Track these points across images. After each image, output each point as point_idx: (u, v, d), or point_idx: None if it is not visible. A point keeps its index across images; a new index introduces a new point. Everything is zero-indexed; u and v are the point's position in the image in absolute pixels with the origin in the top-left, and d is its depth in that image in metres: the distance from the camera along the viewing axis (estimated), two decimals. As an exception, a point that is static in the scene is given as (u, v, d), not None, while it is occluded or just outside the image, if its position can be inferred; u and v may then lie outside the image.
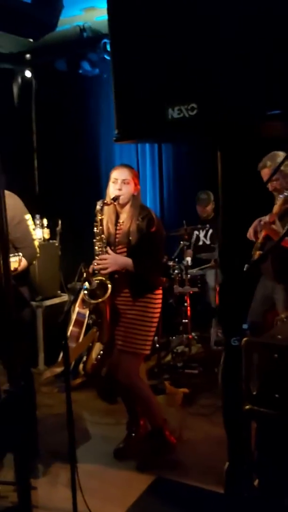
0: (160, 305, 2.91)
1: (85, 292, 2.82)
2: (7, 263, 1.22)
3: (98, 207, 2.82)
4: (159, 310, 2.90)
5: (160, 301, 2.91)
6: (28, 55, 5.50)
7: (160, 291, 2.92)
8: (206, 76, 1.12)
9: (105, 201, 2.82)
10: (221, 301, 1.41)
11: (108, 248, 2.83)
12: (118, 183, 2.81)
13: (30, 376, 2.89)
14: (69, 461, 2.15)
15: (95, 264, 2.79)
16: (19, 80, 5.76)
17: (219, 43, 1.12)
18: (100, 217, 2.81)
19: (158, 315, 2.90)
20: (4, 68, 5.59)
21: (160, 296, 2.92)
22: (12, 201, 2.67)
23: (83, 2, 4.56)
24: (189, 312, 4.50)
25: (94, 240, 2.83)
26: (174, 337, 4.65)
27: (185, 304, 4.51)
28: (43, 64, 5.60)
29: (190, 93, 1.14)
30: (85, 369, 4.10)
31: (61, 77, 5.53)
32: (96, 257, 2.81)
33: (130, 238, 2.80)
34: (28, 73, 5.71)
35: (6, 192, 2.71)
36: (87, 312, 4.40)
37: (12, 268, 2.55)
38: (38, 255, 2.85)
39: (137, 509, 2.51)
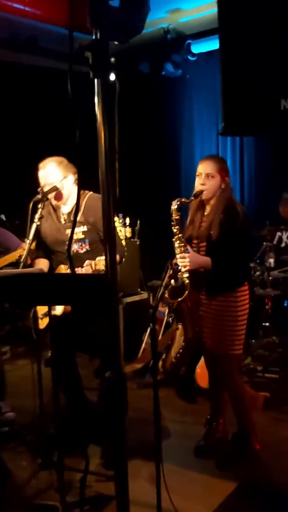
0: (245, 304, 2.80)
1: (167, 291, 2.81)
2: (113, 259, 1.26)
3: (173, 206, 2.75)
4: (243, 309, 2.79)
5: (243, 300, 2.79)
6: (112, 59, 5.63)
7: (243, 290, 2.80)
8: None
9: (182, 200, 2.75)
10: None
11: (188, 246, 2.76)
12: (202, 177, 2.73)
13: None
14: (155, 457, 2.16)
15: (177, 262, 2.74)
16: (104, 83, 5.91)
17: None
18: (176, 217, 2.75)
19: (243, 314, 2.79)
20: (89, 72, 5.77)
21: (244, 295, 2.79)
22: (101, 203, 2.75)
23: (168, 4, 4.60)
24: (270, 315, 4.38)
25: (173, 240, 2.78)
26: (254, 341, 4.55)
27: (266, 307, 4.40)
28: (126, 66, 5.71)
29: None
30: (164, 366, 4.12)
31: (143, 79, 5.61)
32: (177, 256, 2.75)
33: (211, 232, 2.70)
34: (112, 76, 5.84)
35: (96, 195, 2.81)
36: (166, 310, 4.44)
37: (101, 268, 2.66)
38: (125, 254, 2.92)
39: (226, 510, 2.45)
